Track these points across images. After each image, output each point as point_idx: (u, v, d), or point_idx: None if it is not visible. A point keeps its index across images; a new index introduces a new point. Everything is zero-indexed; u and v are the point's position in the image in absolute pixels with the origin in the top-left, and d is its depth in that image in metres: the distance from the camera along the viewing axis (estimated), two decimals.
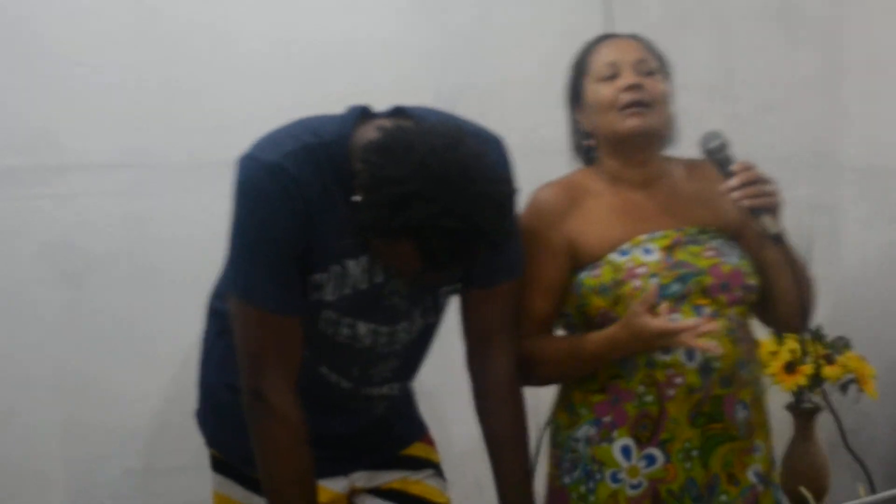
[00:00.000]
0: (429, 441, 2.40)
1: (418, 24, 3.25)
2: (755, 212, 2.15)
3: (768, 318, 2.38)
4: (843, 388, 3.38)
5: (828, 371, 3.36)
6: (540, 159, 2.30)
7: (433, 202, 1.72)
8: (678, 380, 2.21)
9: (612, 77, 2.25)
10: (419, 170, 1.73)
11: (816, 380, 3.34)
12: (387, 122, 1.88)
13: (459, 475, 2.51)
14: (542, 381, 2.35)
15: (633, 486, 2.26)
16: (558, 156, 2.56)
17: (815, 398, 3.36)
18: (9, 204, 2.81)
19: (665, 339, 2.09)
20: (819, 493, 3.20)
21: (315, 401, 2.06)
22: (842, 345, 3.41)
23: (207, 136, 2.96)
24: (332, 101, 2.10)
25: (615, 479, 2.26)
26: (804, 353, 3.16)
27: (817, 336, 3.38)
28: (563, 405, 2.36)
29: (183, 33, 2.98)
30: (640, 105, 2.22)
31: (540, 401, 2.38)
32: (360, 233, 1.85)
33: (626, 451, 2.26)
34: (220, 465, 2.28)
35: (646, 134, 2.25)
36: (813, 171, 2.40)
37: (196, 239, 2.77)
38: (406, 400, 2.36)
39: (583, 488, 2.29)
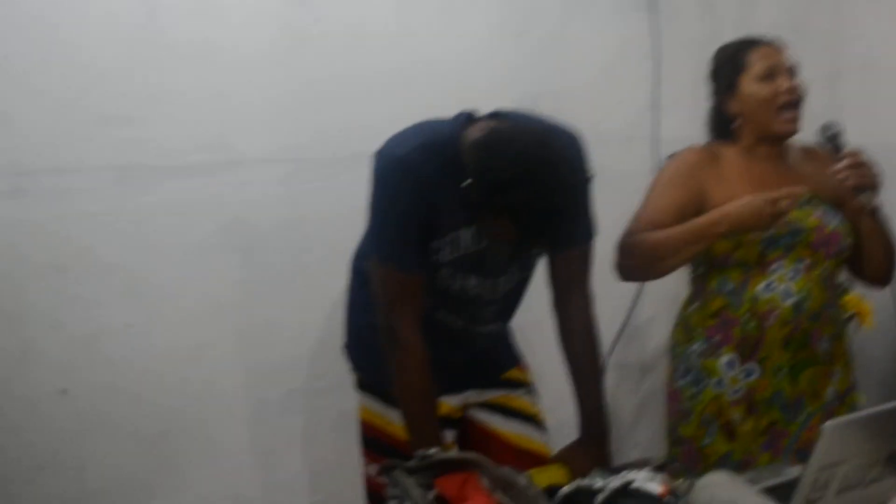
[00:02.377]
0: (523, 367, 2.45)
1: (505, 41, 3.28)
2: (858, 189, 2.19)
3: (859, 274, 2.42)
4: (847, 321, 3.27)
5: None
6: (603, 146, 2.29)
7: (526, 187, 1.77)
8: (776, 312, 2.25)
9: (769, 78, 2.27)
10: (516, 162, 1.77)
11: None
12: (490, 124, 1.92)
13: (546, 391, 2.55)
14: (646, 264, 2.30)
15: (734, 392, 2.31)
16: (617, 144, 2.78)
17: None
18: (195, 191, 2.88)
19: (769, 206, 2.09)
20: None
21: (436, 337, 2.11)
22: (845, 288, 3.29)
23: (344, 134, 2.99)
24: (437, 104, 2.15)
25: (719, 385, 2.32)
26: None
27: None
28: (682, 326, 2.42)
29: (329, 56, 2.99)
30: (794, 106, 2.27)
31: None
32: (471, 209, 1.89)
33: (730, 364, 2.31)
34: (364, 385, 2.35)
35: (794, 134, 2.31)
36: None
37: (337, 215, 2.78)
38: (506, 335, 2.41)
39: (693, 390, 2.35)
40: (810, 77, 2.41)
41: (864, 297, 3.29)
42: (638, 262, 2.29)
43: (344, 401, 2.53)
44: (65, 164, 2.68)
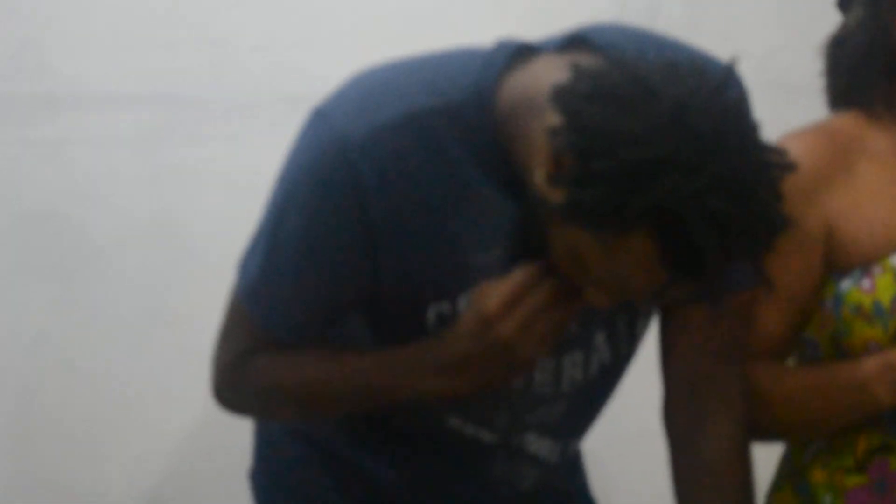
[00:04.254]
0: None
1: None
2: None
3: None
4: None
5: None
6: (778, 98, 1.82)
7: (696, 172, 1.19)
8: None
9: None
10: (672, 124, 1.20)
11: None
12: (574, 60, 1.32)
13: None
14: (768, 433, 1.72)
15: None
16: (803, 95, 1.86)
17: None
18: None
19: None
20: None
21: (440, 466, 1.59)
22: None
23: (265, 61, 2.30)
24: (434, 23, 2.01)
25: None
26: None
27: None
28: (793, 485, 1.70)
29: None
30: None
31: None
32: (532, 227, 1.35)
33: None
34: None
35: None
36: None
37: (235, 197, 2.24)
38: (570, 469, 1.75)
39: None
40: None
41: None
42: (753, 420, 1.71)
43: None
44: None
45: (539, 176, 1.26)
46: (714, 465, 1.57)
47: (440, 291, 1.44)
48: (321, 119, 1.42)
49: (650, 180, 1.20)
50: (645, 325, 1.57)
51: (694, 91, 1.24)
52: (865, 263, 1.59)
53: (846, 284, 1.60)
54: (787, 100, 1.90)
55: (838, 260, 1.62)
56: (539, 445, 1.61)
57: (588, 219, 1.23)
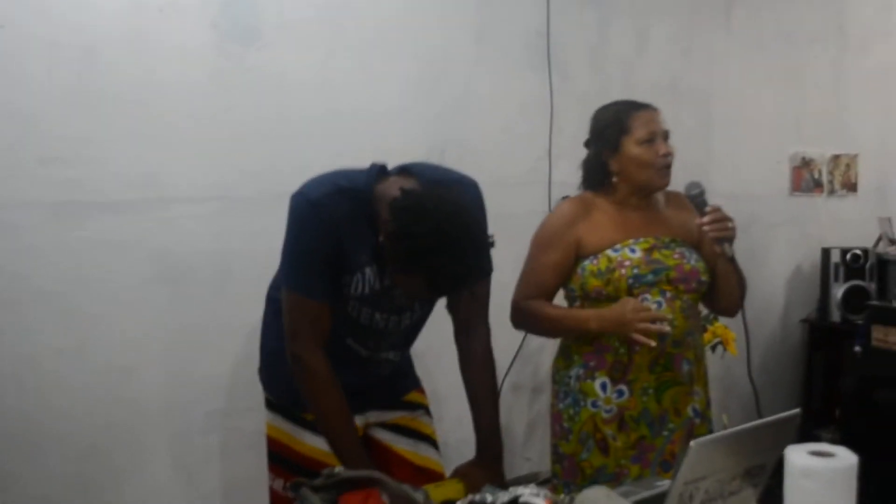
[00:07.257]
0: (421, 391, 2.43)
1: (418, 97, 3.37)
2: (719, 241, 2.26)
3: (712, 305, 2.49)
4: (713, 347, 3.44)
5: (704, 337, 3.27)
6: (503, 190, 2.38)
7: (443, 254, 1.75)
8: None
9: (650, 142, 2.29)
10: (434, 230, 1.76)
11: None
12: (403, 182, 1.90)
13: (445, 413, 2.59)
14: (534, 331, 2.47)
15: (607, 411, 2.33)
16: (515, 188, 2.81)
17: None
18: (127, 226, 2.87)
19: (634, 314, 2.17)
20: None
21: (344, 363, 2.11)
22: (712, 318, 3.46)
23: (267, 175, 3.02)
24: (355, 150, 2.24)
25: (594, 405, 2.34)
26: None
27: None
28: (562, 353, 2.44)
29: (255, 103, 3.02)
30: (669, 166, 2.33)
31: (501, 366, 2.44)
32: (380, 257, 1.88)
33: (603, 386, 2.32)
34: (272, 405, 2.31)
35: (666, 188, 2.36)
36: None
37: (258, 249, 2.72)
38: (406, 362, 2.39)
39: (571, 411, 2.37)
40: (686, 130, 2.45)
41: (727, 327, 3.36)
42: (526, 326, 2.41)
43: (259, 421, 2.43)
44: (5, 201, 2.70)
45: (382, 238, 1.82)
46: (477, 356, 2.17)
47: (347, 270, 1.99)
48: (301, 194, 1.97)
49: (422, 257, 1.75)
50: (434, 302, 2.19)
51: (446, 213, 1.73)
52: (595, 253, 2.29)
53: (586, 262, 2.29)
54: (502, 189, 2.44)
55: (582, 253, 2.30)
56: (390, 354, 2.21)
57: (399, 267, 1.82)
